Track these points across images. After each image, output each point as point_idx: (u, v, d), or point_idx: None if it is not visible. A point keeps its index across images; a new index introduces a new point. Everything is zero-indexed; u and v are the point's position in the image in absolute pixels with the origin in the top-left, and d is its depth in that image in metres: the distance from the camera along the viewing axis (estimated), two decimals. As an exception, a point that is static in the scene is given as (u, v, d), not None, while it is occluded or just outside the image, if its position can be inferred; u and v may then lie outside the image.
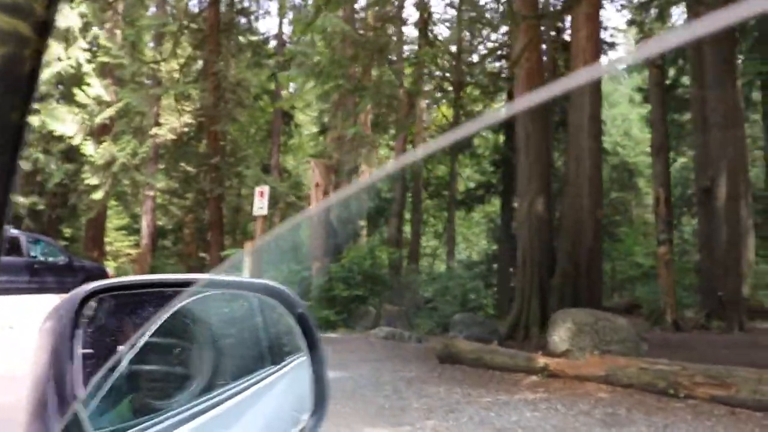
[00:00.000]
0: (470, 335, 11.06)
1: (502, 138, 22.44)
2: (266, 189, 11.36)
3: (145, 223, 22.32)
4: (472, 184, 26.42)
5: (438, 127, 26.41)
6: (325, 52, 12.02)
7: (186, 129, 21.81)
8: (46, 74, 16.16)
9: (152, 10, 21.62)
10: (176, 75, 20.43)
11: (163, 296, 1.33)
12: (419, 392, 6.64)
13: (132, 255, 22.49)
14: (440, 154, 29.44)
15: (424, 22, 19.48)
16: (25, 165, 16.83)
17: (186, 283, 1.53)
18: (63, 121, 16.36)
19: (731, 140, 16.47)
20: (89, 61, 16.59)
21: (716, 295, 16.43)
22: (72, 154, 18.86)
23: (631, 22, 19.59)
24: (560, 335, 7.85)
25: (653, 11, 16.92)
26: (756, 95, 19.63)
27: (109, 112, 16.82)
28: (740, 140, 16.40)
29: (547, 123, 13.02)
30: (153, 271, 19.18)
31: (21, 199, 17.16)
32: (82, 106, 16.89)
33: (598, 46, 12.49)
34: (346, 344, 11.51)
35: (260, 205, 11.05)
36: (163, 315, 1.25)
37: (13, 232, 15.76)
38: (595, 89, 12.05)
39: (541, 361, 7.30)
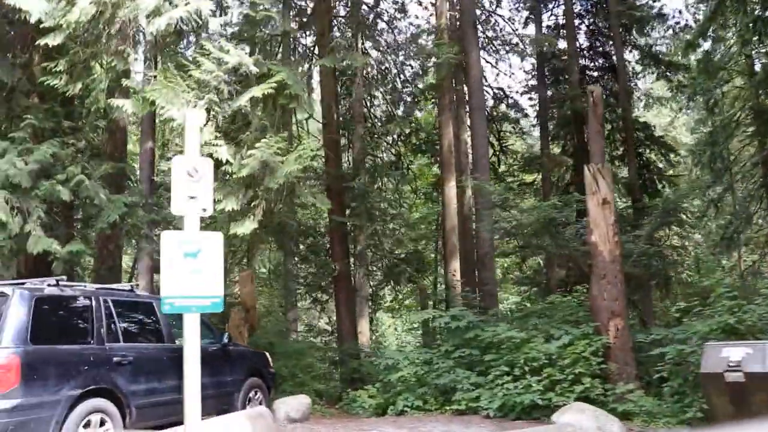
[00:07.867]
0: None
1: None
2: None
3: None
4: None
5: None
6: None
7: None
8: (152, 28, 9.33)
9: None
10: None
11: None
12: None
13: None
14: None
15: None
16: (65, 195, 9.59)
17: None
18: (176, 105, 9.46)
19: None
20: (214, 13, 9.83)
21: None
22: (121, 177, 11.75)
23: None
24: None
25: None
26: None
27: (258, 91, 9.86)
28: None
29: None
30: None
31: (56, 246, 9.60)
32: (204, 84, 10.02)
33: None
34: None
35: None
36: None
37: (141, 292, 8.50)
38: None
39: None
